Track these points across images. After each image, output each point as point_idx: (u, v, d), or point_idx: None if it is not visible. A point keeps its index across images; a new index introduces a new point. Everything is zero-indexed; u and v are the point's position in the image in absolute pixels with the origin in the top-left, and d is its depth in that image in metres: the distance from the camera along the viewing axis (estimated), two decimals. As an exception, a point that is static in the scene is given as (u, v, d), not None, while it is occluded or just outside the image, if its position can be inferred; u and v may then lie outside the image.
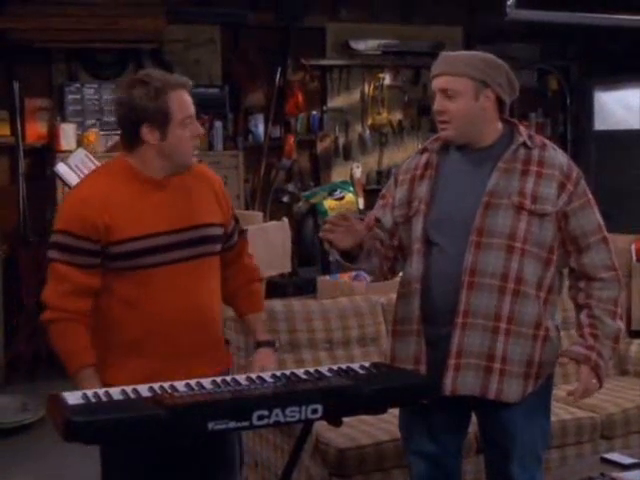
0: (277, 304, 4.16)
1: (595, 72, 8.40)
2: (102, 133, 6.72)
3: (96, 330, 2.77)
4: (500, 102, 2.93)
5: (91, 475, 4.17)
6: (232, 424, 2.34)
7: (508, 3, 5.99)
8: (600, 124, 8.46)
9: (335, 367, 2.72)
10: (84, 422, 2.23)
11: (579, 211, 2.91)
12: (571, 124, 8.66)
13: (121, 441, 2.43)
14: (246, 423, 2.36)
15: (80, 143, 6.44)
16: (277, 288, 6.43)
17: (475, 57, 2.92)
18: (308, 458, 3.66)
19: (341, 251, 2.91)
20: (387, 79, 8.07)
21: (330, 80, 7.89)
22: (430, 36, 8.03)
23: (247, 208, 7.23)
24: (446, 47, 7.46)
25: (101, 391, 2.45)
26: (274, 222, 6.30)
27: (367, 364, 2.78)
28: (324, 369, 2.71)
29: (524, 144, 2.93)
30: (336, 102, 7.93)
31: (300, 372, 2.67)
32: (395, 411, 3.10)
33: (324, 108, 7.89)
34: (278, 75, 7.51)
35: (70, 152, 5.76)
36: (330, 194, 7.37)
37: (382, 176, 7.90)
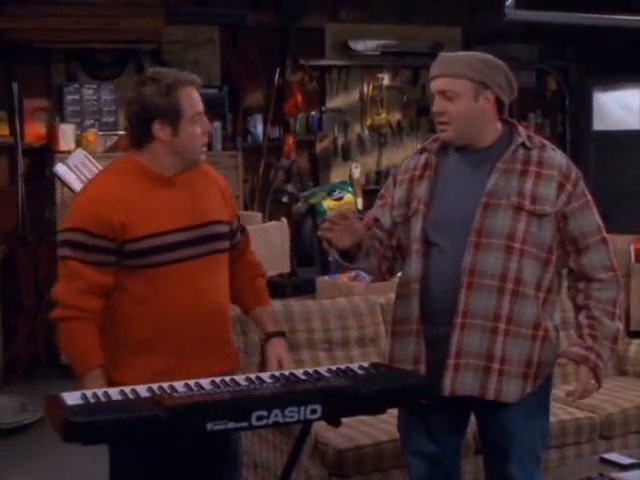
0: (276, 304, 4.15)
1: (594, 72, 8.40)
2: (101, 133, 6.71)
3: (105, 328, 2.76)
4: (499, 103, 2.93)
5: (91, 475, 4.17)
6: (231, 424, 2.34)
7: (507, 3, 5.98)
8: (599, 124, 8.45)
9: (334, 367, 2.72)
10: (83, 423, 2.23)
11: (578, 212, 2.91)
12: (570, 124, 8.66)
13: (120, 442, 2.43)
14: (245, 424, 2.36)
15: (79, 143, 6.44)
16: (276, 288, 6.41)
17: (474, 58, 2.92)
18: (307, 458, 3.66)
19: (340, 250, 2.91)
20: (386, 79, 8.07)
21: (329, 80, 7.89)
22: (429, 36, 8.03)
23: (246, 208, 7.23)
24: (445, 47, 7.47)
25: (100, 391, 2.45)
26: (273, 222, 6.31)
27: (366, 364, 2.78)
28: (323, 369, 2.72)
29: (523, 145, 2.93)
30: (335, 102, 7.93)
31: (299, 372, 2.67)
32: (394, 411, 3.10)
33: (323, 108, 7.89)
34: (277, 75, 7.51)
35: (69, 152, 5.77)
36: (329, 194, 7.37)
37: (381, 176, 7.89)
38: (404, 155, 6.42)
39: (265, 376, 2.63)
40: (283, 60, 7.59)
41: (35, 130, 6.80)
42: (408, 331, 2.96)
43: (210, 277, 2.85)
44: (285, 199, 7.60)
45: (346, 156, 7.97)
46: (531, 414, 2.94)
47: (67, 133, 6.52)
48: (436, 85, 2.92)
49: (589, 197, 2.95)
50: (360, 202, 7.72)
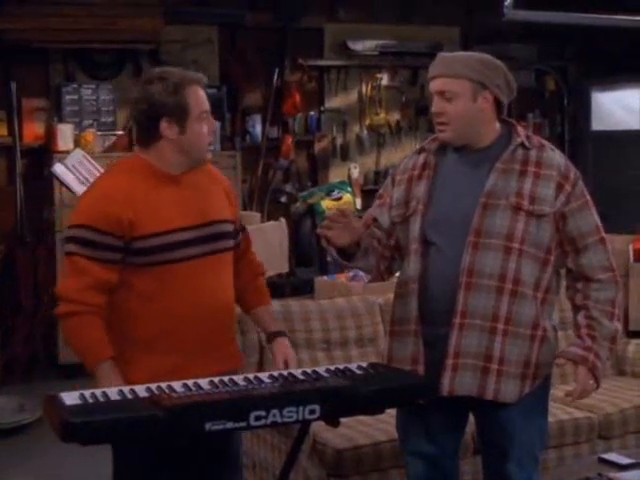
0: (274, 304, 4.13)
1: (592, 72, 8.40)
2: (99, 133, 6.70)
3: (111, 325, 2.76)
4: (498, 103, 2.93)
5: (90, 475, 4.17)
6: (229, 424, 2.34)
7: (506, 3, 5.99)
8: (597, 124, 8.46)
9: (332, 367, 2.73)
10: (81, 423, 2.23)
11: (577, 212, 2.91)
12: (568, 124, 8.66)
13: (119, 442, 2.43)
14: (243, 424, 2.36)
15: (77, 143, 6.42)
16: (274, 288, 6.39)
17: (473, 58, 2.92)
18: (305, 459, 3.66)
19: (338, 248, 2.91)
20: (385, 79, 8.06)
21: (328, 80, 7.89)
22: (428, 36, 8.03)
23: (245, 208, 7.22)
24: (444, 47, 7.47)
25: (98, 391, 2.45)
26: (272, 222, 6.30)
27: (364, 364, 2.78)
28: (321, 369, 2.72)
29: (522, 145, 2.92)
30: (334, 102, 7.93)
31: (297, 372, 2.67)
32: (393, 411, 3.10)
33: (322, 108, 7.88)
34: (276, 75, 7.50)
35: (67, 152, 5.76)
36: (328, 194, 7.37)
37: (380, 176, 7.89)
38: (403, 155, 6.40)
39: (263, 376, 2.63)
40: (282, 60, 7.58)
41: (33, 130, 6.79)
42: (406, 331, 2.95)
43: (216, 276, 2.87)
44: (284, 199, 7.60)
45: (345, 156, 7.97)
46: (530, 414, 2.94)
47: (65, 133, 6.52)
48: (435, 85, 2.91)
49: (588, 197, 2.95)
50: (359, 202, 7.72)
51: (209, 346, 2.84)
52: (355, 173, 7.95)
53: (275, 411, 2.38)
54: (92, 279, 2.72)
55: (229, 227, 2.94)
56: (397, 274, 3.11)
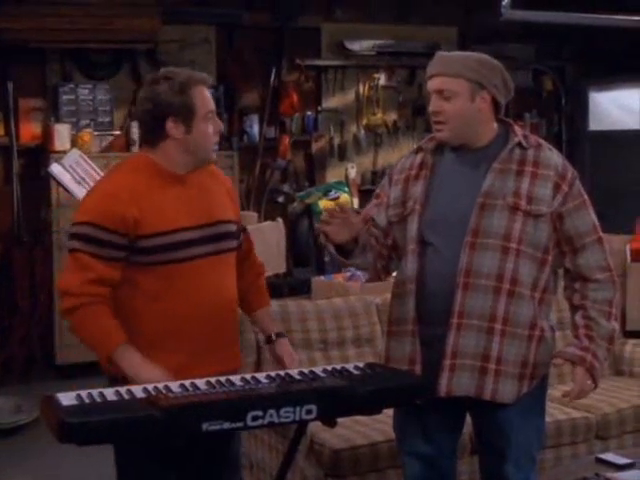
0: (272, 304, 4.15)
1: (590, 72, 8.41)
2: (96, 133, 6.69)
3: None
4: (496, 103, 2.93)
5: (88, 475, 4.17)
6: (226, 425, 2.34)
7: (503, 3, 5.99)
8: (595, 124, 8.47)
9: (329, 368, 2.72)
10: (78, 423, 2.23)
11: (574, 212, 2.91)
12: (566, 124, 8.66)
13: (116, 442, 2.42)
14: (240, 424, 2.36)
15: (74, 143, 6.41)
16: (272, 288, 6.38)
17: (471, 58, 2.92)
18: (303, 459, 3.66)
19: (336, 244, 2.91)
20: (382, 79, 8.06)
21: (325, 80, 7.88)
22: (425, 36, 8.02)
23: (242, 208, 7.20)
24: (441, 47, 7.44)
25: (95, 392, 2.44)
26: (269, 222, 6.30)
27: (361, 364, 2.78)
28: (318, 369, 2.72)
29: (519, 144, 2.92)
30: (331, 102, 7.93)
31: (294, 372, 2.67)
32: (390, 411, 3.10)
33: (319, 108, 7.88)
34: (273, 75, 7.50)
35: (64, 152, 5.74)
36: (325, 194, 7.34)
37: (377, 176, 7.88)
38: (400, 155, 6.37)
39: (260, 376, 2.63)
40: (279, 60, 7.58)
41: (30, 130, 6.79)
42: (404, 331, 2.95)
43: (219, 276, 2.87)
44: (281, 199, 7.60)
45: (342, 156, 7.96)
46: (527, 414, 2.93)
47: (62, 133, 6.51)
48: (433, 84, 2.91)
49: (585, 197, 2.95)
50: (356, 202, 7.71)
51: (214, 346, 2.84)
52: (352, 173, 7.95)
53: (272, 411, 2.38)
54: (95, 275, 2.72)
55: (233, 227, 2.94)
56: (394, 274, 3.11)
